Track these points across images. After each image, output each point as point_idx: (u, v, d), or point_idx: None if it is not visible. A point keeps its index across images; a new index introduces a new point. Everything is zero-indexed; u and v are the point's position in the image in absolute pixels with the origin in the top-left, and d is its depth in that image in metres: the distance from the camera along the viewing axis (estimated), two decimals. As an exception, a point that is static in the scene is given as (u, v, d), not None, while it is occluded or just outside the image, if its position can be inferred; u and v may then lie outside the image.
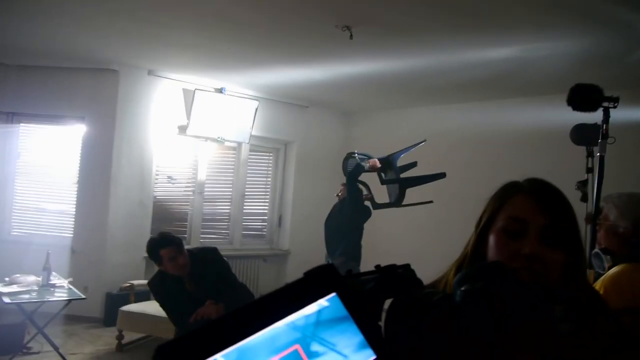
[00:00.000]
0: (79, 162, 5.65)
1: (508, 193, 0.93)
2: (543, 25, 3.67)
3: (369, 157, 4.72)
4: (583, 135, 2.91)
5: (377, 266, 0.77)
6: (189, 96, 5.85)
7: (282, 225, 7.04)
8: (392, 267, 0.77)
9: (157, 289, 3.23)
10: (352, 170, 4.63)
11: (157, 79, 5.76)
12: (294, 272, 6.65)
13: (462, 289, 0.76)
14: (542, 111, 5.43)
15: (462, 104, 6.25)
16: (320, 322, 0.57)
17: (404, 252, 6.07)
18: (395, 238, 6.35)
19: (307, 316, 0.57)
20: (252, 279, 6.46)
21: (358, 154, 4.76)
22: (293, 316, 0.55)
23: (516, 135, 5.67)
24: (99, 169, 5.57)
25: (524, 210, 0.89)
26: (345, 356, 0.56)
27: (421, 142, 4.81)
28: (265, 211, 7.00)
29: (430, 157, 4.96)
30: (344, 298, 0.60)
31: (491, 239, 0.90)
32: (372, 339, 0.59)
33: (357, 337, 0.58)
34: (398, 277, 0.77)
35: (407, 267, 0.81)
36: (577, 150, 3.08)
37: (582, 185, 3.00)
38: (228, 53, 4.85)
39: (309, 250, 6.26)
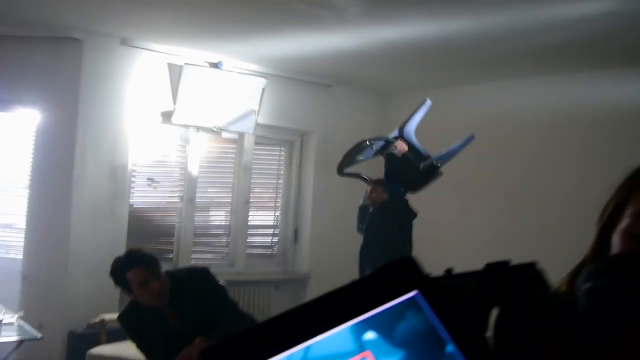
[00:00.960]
0: (31, 160, 5.67)
1: (638, 181, 0.89)
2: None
3: (387, 141, 4.86)
4: None
5: (488, 264, 0.75)
6: (176, 73, 5.86)
7: (298, 242, 7.07)
8: (504, 265, 0.75)
9: (130, 325, 3.37)
10: (390, 165, 4.83)
11: (134, 50, 5.78)
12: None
13: (585, 287, 0.74)
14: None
15: (534, 77, 6.18)
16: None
17: (457, 262, 6.14)
18: (447, 250, 6.32)
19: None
20: (261, 311, 6.45)
21: (373, 141, 5.02)
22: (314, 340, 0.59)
23: (612, 115, 5.57)
24: (57, 169, 5.60)
25: None
26: None
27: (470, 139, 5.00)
28: (277, 223, 7.03)
29: (491, 145, 5.06)
30: (431, 298, 0.62)
31: (615, 241, 0.88)
32: (470, 353, 0.61)
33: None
34: (513, 279, 0.75)
35: (530, 266, 0.77)
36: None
37: None
38: (226, 15, 4.83)
39: (334, 274, 6.17)
